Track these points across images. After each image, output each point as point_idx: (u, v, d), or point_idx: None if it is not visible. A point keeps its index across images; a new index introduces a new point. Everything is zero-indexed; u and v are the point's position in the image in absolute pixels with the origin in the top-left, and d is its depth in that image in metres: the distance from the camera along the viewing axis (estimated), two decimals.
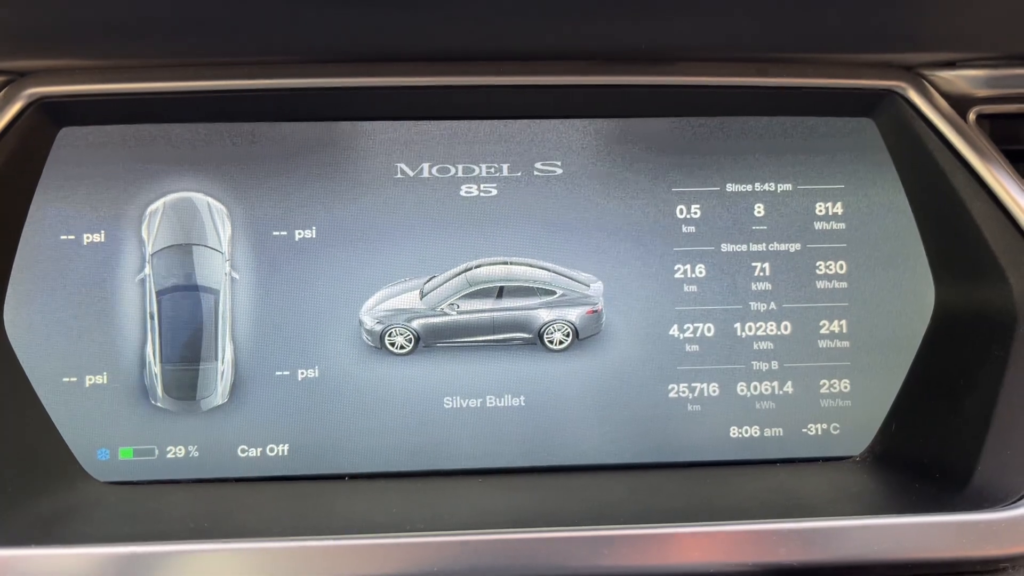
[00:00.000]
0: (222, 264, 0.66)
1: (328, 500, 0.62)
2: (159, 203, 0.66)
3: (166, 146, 0.66)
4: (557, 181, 0.68)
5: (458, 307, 0.67)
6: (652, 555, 0.52)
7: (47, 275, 0.64)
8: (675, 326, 0.67)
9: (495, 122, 0.68)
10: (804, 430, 0.68)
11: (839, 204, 0.68)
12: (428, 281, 0.67)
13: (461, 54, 0.62)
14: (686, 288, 0.68)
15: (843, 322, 0.68)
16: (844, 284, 0.68)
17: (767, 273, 0.68)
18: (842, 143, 0.68)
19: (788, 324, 0.68)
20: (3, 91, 0.60)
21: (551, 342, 0.68)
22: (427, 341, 0.67)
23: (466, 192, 0.67)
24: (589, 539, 0.52)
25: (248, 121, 0.66)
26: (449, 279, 0.67)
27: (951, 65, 0.64)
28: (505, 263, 0.67)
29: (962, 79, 0.64)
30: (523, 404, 0.67)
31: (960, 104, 0.64)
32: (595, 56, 0.63)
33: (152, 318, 0.65)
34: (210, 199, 0.66)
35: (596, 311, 0.67)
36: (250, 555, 0.51)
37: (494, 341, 0.67)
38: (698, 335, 0.68)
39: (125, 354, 0.65)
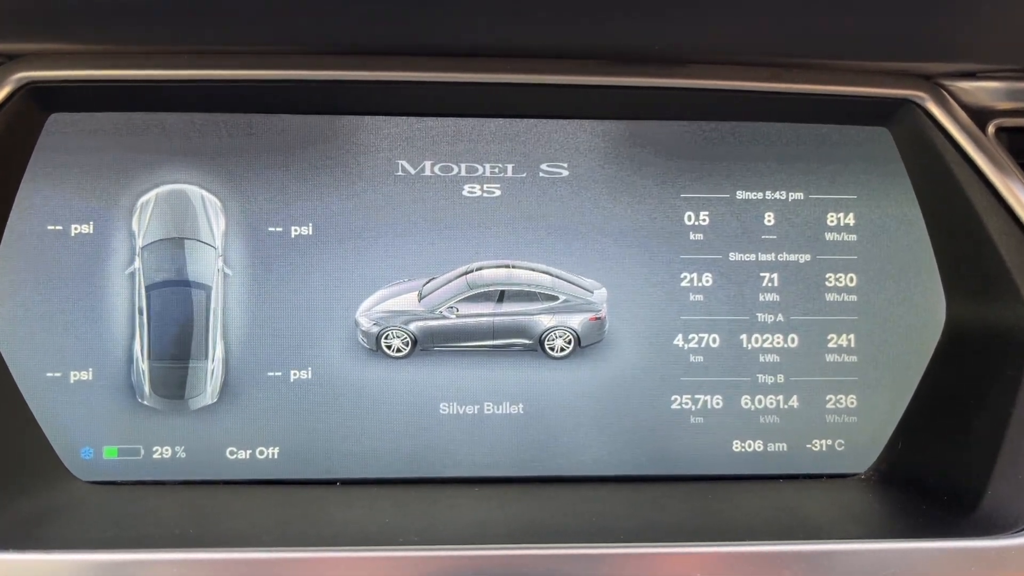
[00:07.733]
0: (215, 259, 0.64)
1: (319, 506, 0.61)
2: (151, 195, 0.64)
3: (160, 136, 0.64)
4: (563, 183, 0.66)
5: (457, 310, 0.66)
6: (651, 575, 0.51)
7: (32, 266, 0.62)
8: (680, 336, 0.66)
9: (500, 121, 0.66)
10: (808, 446, 0.67)
11: (851, 215, 0.67)
12: (427, 283, 0.66)
13: (468, 49, 0.61)
14: (692, 297, 0.66)
15: (851, 336, 0.67)
16: (854, 297, 0.67)
17: (775, 284, 0.67)
18: (856, 152, 0.67)
19: (795, 337, 0.67)
20: None
21: (552, 349, 0.66)
22: (424, 345, 0.66)
23: (469, 192, 0.66)
24: (587, 557, 0.51)
25: (245, 112, 0.64)
26: (449, 281, 0.66)
27: (971, 76, 0.63)
28: (507, 266, 0.66)
29: (982, 91, 0.63)
30: (522, 412, 0.65)
31: (979, 116, 0.63)
32: (606, 56, 0.62)
33: (141, 313, 0.63)
34: (204, 192, 0.64)
35: (599, 318, 0.66)
36: (236, 566, 0.50)
37: (493, 346, 0.66)
38: (703, 346, 0.66)
39: (112, 350, 0.63)
